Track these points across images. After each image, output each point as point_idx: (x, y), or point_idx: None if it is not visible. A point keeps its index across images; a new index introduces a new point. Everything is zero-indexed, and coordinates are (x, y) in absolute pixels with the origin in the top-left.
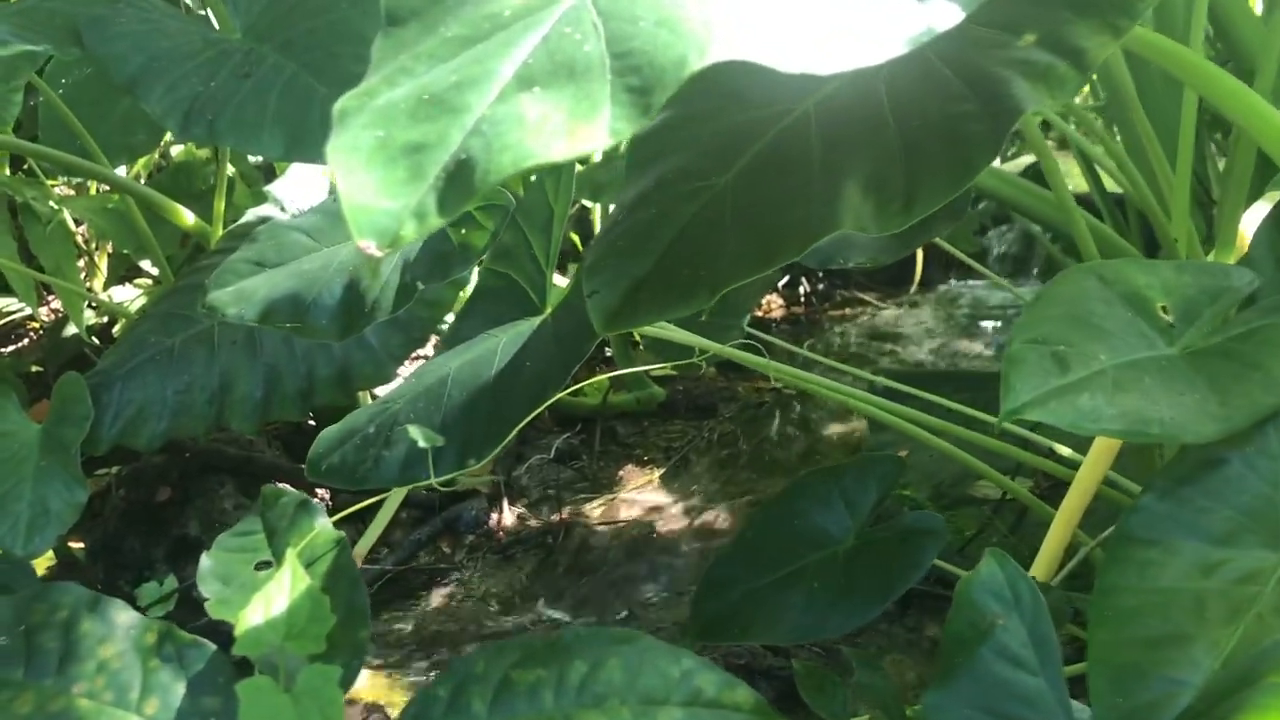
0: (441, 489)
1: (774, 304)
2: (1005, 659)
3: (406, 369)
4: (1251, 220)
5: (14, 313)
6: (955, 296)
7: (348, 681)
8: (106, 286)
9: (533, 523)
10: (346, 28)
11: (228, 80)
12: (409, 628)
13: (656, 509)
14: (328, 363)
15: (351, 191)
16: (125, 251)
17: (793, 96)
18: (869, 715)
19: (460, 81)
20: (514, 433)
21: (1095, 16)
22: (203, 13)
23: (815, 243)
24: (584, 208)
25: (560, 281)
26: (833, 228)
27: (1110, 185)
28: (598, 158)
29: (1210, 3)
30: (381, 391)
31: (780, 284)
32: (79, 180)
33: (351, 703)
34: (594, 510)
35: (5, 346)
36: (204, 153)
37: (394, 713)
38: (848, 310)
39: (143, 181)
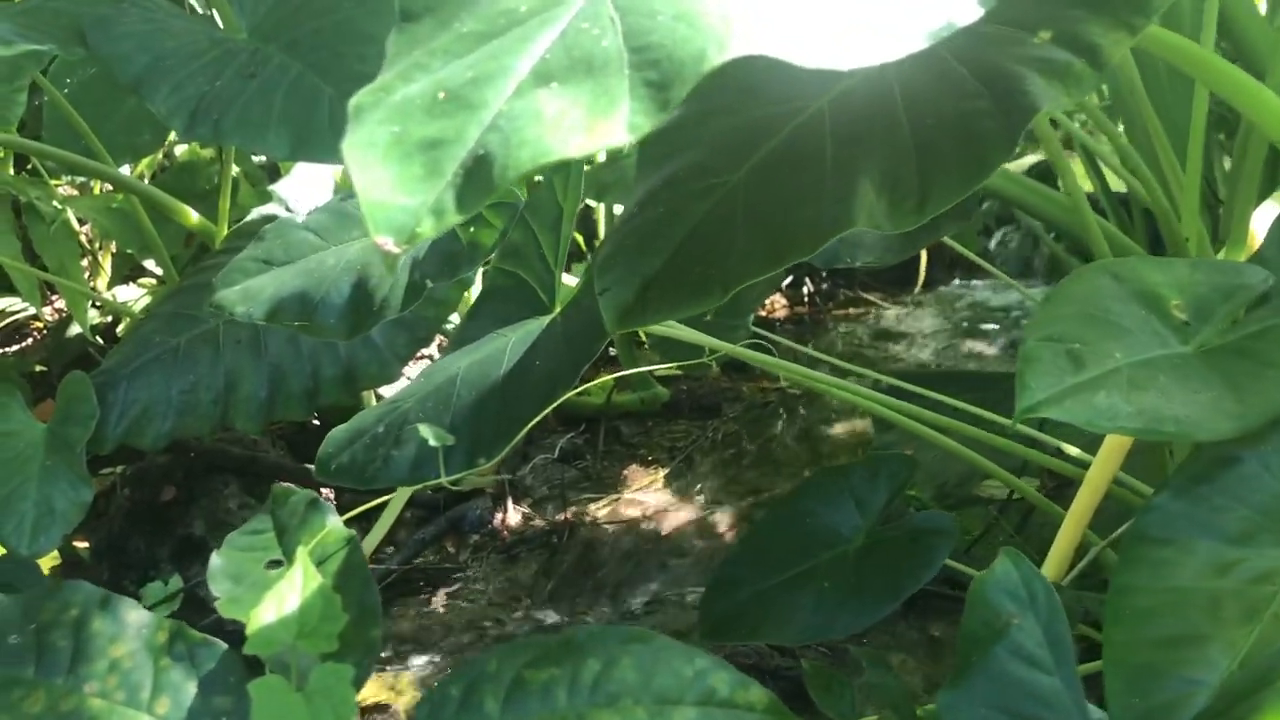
0: (453, 488)
1: (778, 304)
2: (1020, 658)
3: (411, 369)
4: (1262, 218)
5: (18, 312)
6: (959, 297)
7: (360, 680)
8: (110, 286)
9: (537, 522)
10: (352, 27)
11: (233, 80)
12: (413, 627)
13: (661, 509)
14: (333, 362)
15: (368, 188)
16: (129, 251)
17: (806, 94)
18: (879, 715)
19: (477, 77)
20: (523, 432)
21: (1110, 14)
22: (207, 13)
23: (828, 241)
24: (588, 207)
25: (569, 280)
26: (846, 225)
27: (1114, 184)
28: (602, 157)
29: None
30: (386, 391)
31: (784, 284)
32: (83, 180)
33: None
34: (598, 510)
35: (9, 346)
36: (208, 152)
37: (399, 711)
38: (851, 310)
39: (147, 181)
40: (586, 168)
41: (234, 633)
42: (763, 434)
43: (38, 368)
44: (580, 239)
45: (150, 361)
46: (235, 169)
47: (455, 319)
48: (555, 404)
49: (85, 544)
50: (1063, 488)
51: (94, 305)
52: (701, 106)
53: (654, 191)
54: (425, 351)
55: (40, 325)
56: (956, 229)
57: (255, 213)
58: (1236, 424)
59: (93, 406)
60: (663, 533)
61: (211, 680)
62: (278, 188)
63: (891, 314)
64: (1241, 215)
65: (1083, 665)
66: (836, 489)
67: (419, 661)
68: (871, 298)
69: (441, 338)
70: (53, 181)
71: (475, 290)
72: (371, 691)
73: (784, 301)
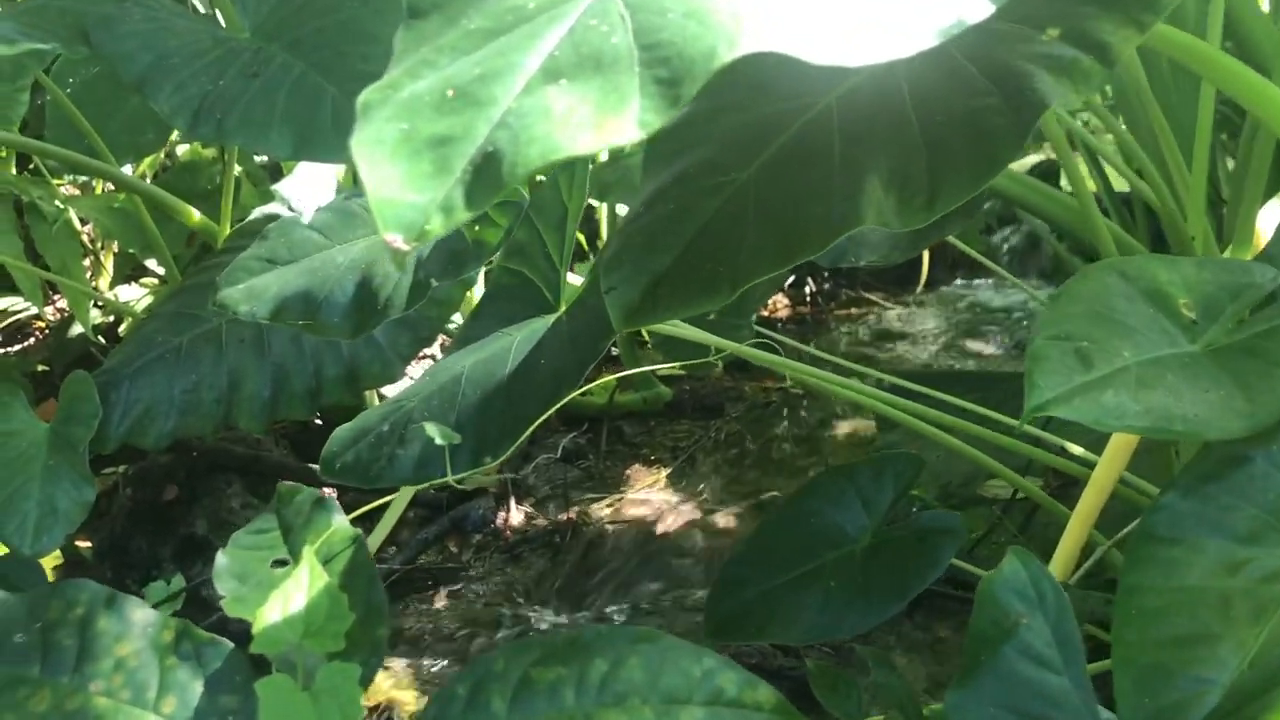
0: (455, 487)
1: (780, 304)
2: (1029, 658)
3: (413, 369)
4: (1268, 217)
5: (20, 312)
6: (961, 297)
7: (367, 680)
8: (112, 286)
9: (540, 522)
10: (355, 27)
11: (236, 79)
12: (417, 627)
13: (664, 509)
14: (336, 362)
15: (376, 185)
16: (131, 251)
17: (814, 91)
18: (885, 715)
19: (485, 74)
20: (529, 431)
21: (1119, 11)
22: (210, 12)
23: (838, 238)
24: (590, 207)
25: (574, 280)
26: (855, 223)
27: (1116, 184)
28: (604, 156)
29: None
30: (389, 391)
31: (786, 284)
32: (85, 180)
33: None
34: (601, 510)
35: (11, 346)
36: (210, 152)
37: (402, 712)
38: (853, 310)
39: (148, 181)
40: (590, 166)
41: (238, 633)
42: (765, 434)
43: (40, 367)
44: (582, 239)
45: (153, 361)
46: (237, 169)
47: (457, 319)
48: (561, 403)
49: (87, 543)
50: (1066, 487)
51: (96, 305)
52: (710, 104)
53: (662, 189)
54: (427, 351)
55: (42, 325)
56: (961, 227)
57: (257, 212)
58: (1245, 423)
59: (95, 406)
60: (665, 532)
61: (218, 679)
62: (280, 187)
63: (893, 314)
64: (1247, 214)
65: (1089, 665)
66: (842, 488)
67: (421, 661)
68: (873, 298)
69: (444, 337)
70: (55, 181)
71: (478, 291)
72: (373, 691)
73: (786, 301)
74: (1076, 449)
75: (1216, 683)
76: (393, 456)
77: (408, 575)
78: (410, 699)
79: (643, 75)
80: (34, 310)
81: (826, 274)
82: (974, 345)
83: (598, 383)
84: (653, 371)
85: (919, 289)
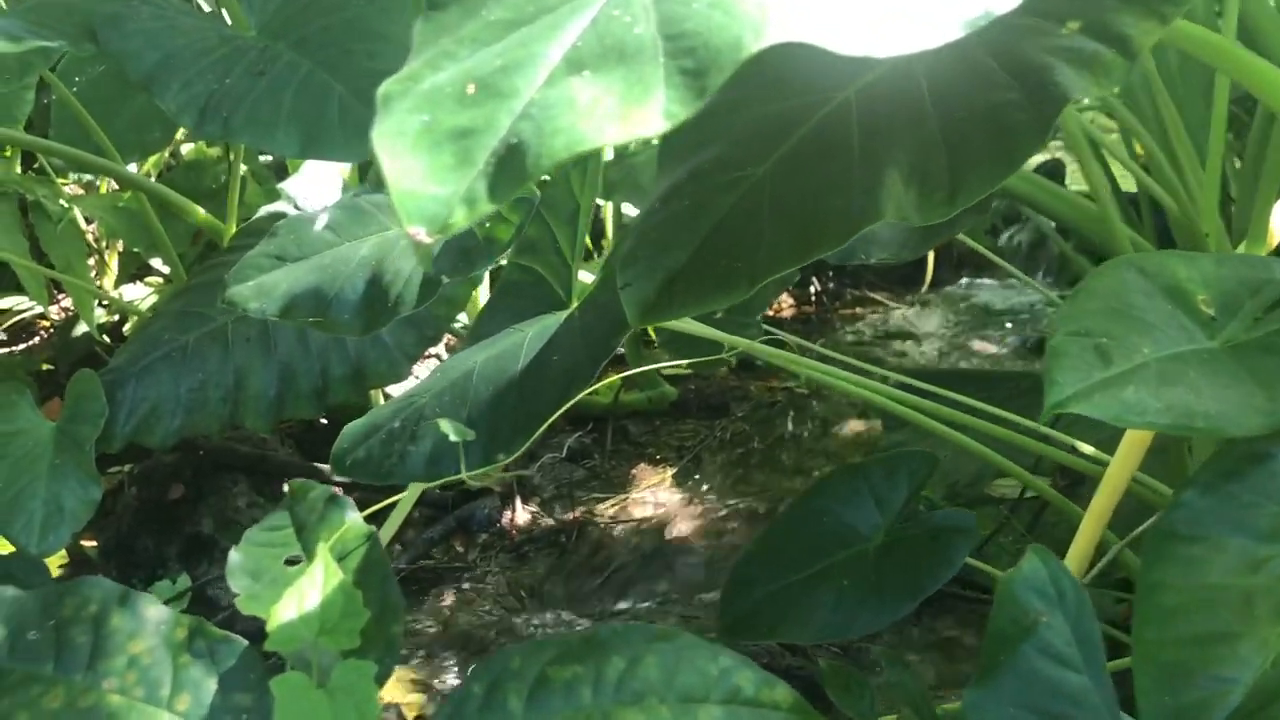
0: (469, 485)
1: (785, 303)
2: (1049, 657)
3: (419, 368)
4: None
5: (24, 311)
6: (966, 296)
7: (383, 677)
8: (117, 285)
9: (546, 521)
10: (361, 25)
11: (242, 77)
12: (422, 627)
13: (670, 508)
14: (342, 361)
15: (398, 177)
16: (136, 250)
17: (831, 85)
18: (898, 714)
19: (507, 65)
20: (543, 428)
21: (1140, 3)
22: (216, 11)
23: (857, 232)
24: (595, 205)
25: (585, 277)
26: (875, 217)
27: (1122, 182)
28: (608, 155)
29: None
30: (394, 390)
31: (791, 283)
32: (89, 179)
33: None
34: (607, 509)
35: (16, 345)
36: (214, 151)
37: (407, 712)
38: (858, 310)
39: (153, 180)
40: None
41: (245, 632)
42: (771, 433)
43: (44, 366)
44: (587, 238)
45: (159, 360)
46: (242, 168)
47: (462, 318)
48: (573, 400)
49: (93, 543)
50: (1074, 486)
51: (100, 304)
52: (725, 99)
53: (677, 185)
54: (432, 351)
55: (47, 324)
56: (973, 224)
57: (263, 210)
58: (1266, 420)
59: (101, 405)
60: (671, 532)
61: (231, 677)
62: (286, 185)
63: (899, 313)
64: (1262, 210)
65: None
66: (855, 487)
67: (426, 661)
68: (878, 297)
69: (450, 336)
70: (59, 180)
71: (482, 291)
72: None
73: (791, 301)
74: (1087, 448)
75: (1239, 681)
76: (404, 453)
77: (413, 574)
78: (415, 699)
79: (667, 66)
80: (39, 309)
81: (831, 273)
82: (979, 344)
83: (603, 382)
84: (658, 370)
85: (924, 288)
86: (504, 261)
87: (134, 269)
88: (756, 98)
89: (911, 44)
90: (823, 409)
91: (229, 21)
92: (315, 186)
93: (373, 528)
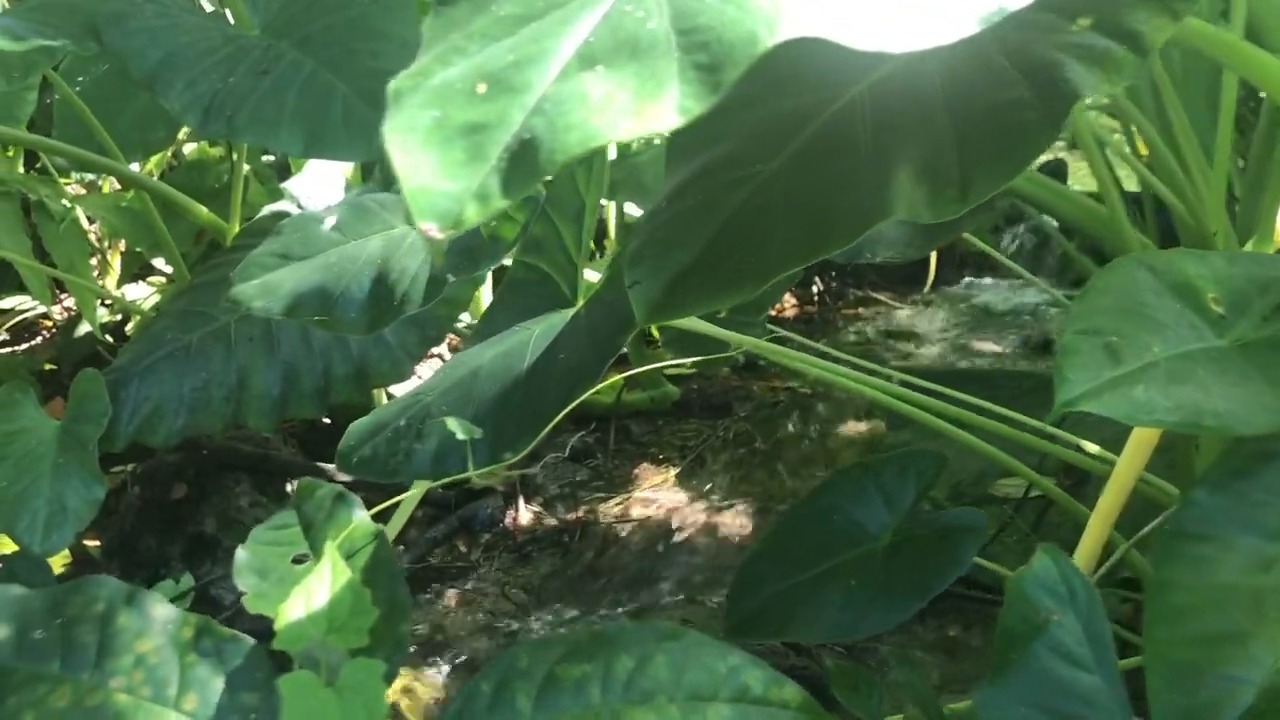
0: (472, 484)
1: (787, 303)
2: (1060, 655)
3: (421, 368)
4: None
5: (27, 311)
6: (968, 296)
7: (391, 676)
8: (120, 284)
9: (549, 521)
10: (365, 24)
11: (246, 76)
12: (425, 627)
13: (673, 508)
14: (345, 360)
15: (409, 173)
16: (138, 249)
17: (841, 82)
18: (905, 714)
19: (518, 60)
20: (549, 426)
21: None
22: (219, 10)
23: (868, 229)
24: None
25: (590, 276)
26: (885, 214)
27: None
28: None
29: None
30: (397, 390)
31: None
32: (91, 178)
33: None
34: (610, 509)
35: (19, 344)
36: (217, 151)
37: (410, 711)
38: (861, 310)
39: (156, 180)
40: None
41: (248, 633)
42: (774, 433)
43: (47, 366)
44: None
45: (162, 359)
46: (245, 167)
47: (465, 318)
48: (580, 399)
49: (96, 542)
50: (1079, 486)
51: (103, 303)
52: (734, 96)
53: (686, 183)
54: (434, 351)
55: (50, 324)
56: (979, 223)
57: (266, 210)
58: (1275, 418)
59: (105, 404)
60: (675, 532)
61: (239, 676)
62: (289, 185)
63: (901, 313)
64: (1270, 208)
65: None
66: (863, 485)
67: (431, 661)
68: (881, 297)
69: (452, 336)
70: (62, 180)
71: (485, 291)
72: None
73: (793, 301)
74: (1092, 447)
75: (1250, 681)
76: (410, 451)
77: (416, 574)
78: (419, 698)
79: (682, 61)
80: (41, 309)
81: (834, 273)
82: (982, 344)
83: (606, 382)
84: (661, 370)
85: (926, 288)
86: (507, 262)
87: (136, 268)
88: (766, 95)
89: (926, 39)
90: (826, 409)
91: (232, 20)
92: (318, 186)
93: (380, 526)
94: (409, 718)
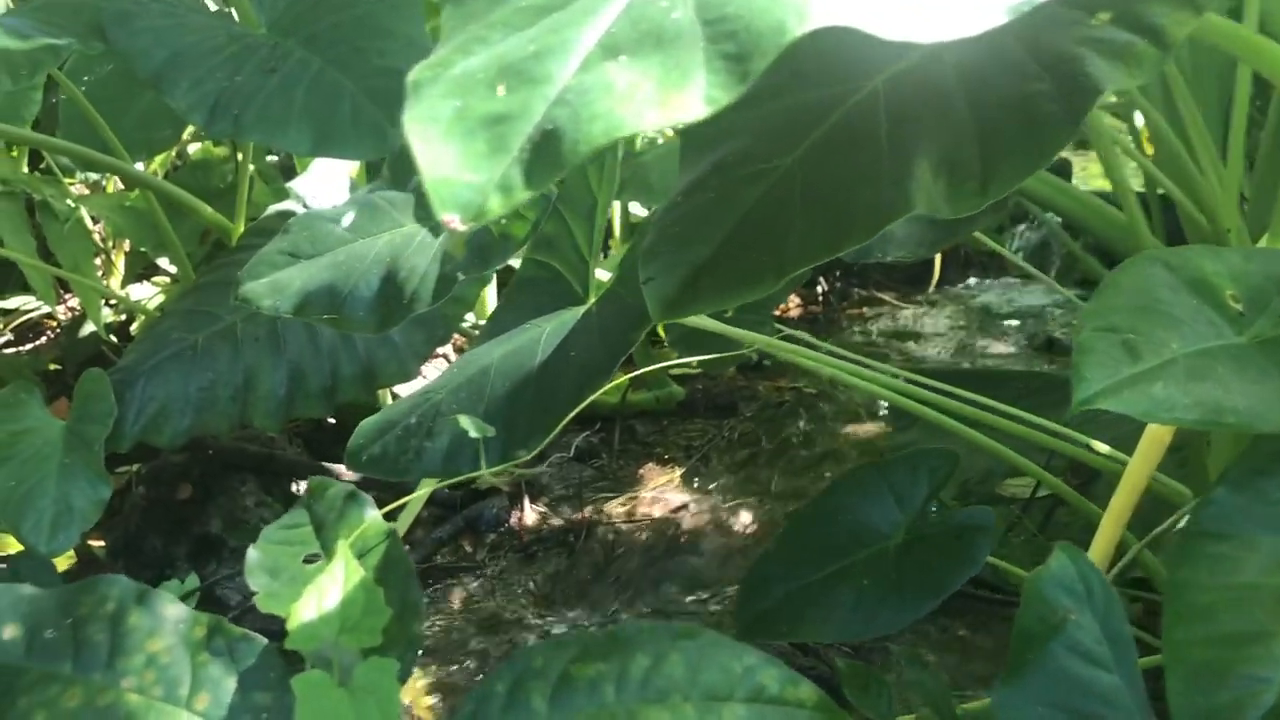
0: (477, 484)
1: (792, 303)
2: (1078, 655)
3: (426, 369)
4: None
5: (31, 311)
6: (973, 296)
7: (404, 676)
8: (124, 284)
9: (554, 521)
10: (372, 22)
11: (253, 75)
12: (430, 627)
13: (678, 508)
14: (351, 360)
15: (430, 164)
16: (143, 249)
17: (859, 75)
18: (918, 714)
19: (540, 51)
20: (562, 424)
21: None
22: (224, 9)
23: (888, 224)
24: None
25: (602, 274)
26: (905, 209)
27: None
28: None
29: None
30: (402, 390)
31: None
32: (95, 178)
33: None
34: (615, 509)
35: (23, 345)
36: (221, 150)
37: (419, 711)
38: (865, 310)
39: (160, 179)
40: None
41: (256, 632)
42: (779, 433)
43: (51, 366)
44: None
45: (168, 359)
46: (249, 166)
47: (469, 318)
48: (592, 396)
49: (101, 542)
50: (1086, 485)
51: (108, 303)
52: (748, 90)
53: (700, 179)
54: (440, 351)
55: (54, 324)
56: (990, 222)
57: (272, 209)
58: None
59: (110, 404)
60: (680, 531)
61: (251, 676)
62: (295, 184)
63: (906, 313)
64: None
65: None
66: (875, 485)
67: (436, 661)
68: (886, 297)
69: (458, 336)
70: (66, 180)
71: (491, 292)
72: None
73: (798, 300)
74: (1102, 446)
75: (1272, 681)
76: (420, 449)
77: (422, 574)
78: (425, 699)
79: (708, 51)
80: (46, 309)
81: (838, 273)
82: (987, 344)
83: (612, 382)
84: (666, 370)
85: (931, 288)
86: (513, 262)
87: (141, 268)
88: (780, 90)
89: (955, 29)
90: (831, 409)
91: (237, 19)
92: (323, 185)
93: (392, 525)
94: (417, 717)
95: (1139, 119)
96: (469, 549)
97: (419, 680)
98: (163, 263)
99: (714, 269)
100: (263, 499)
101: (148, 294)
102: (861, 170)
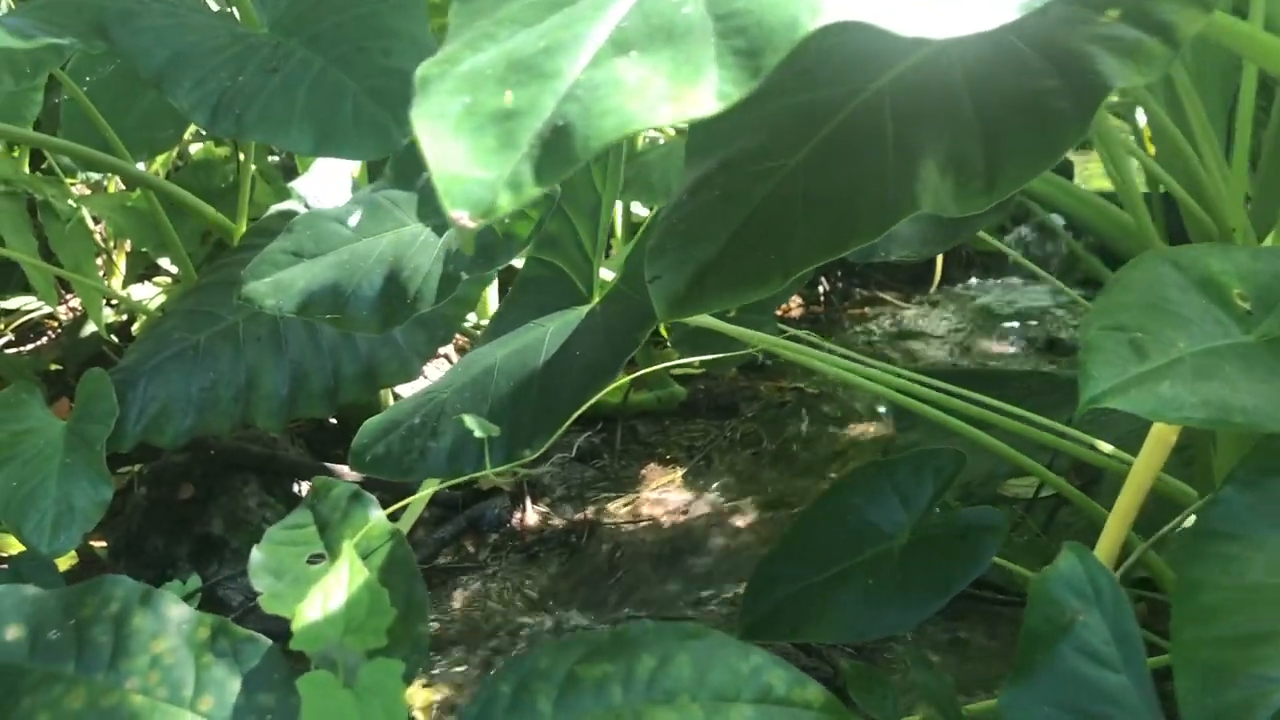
0: (479, 485)
1: (793, 303)
2: (1086, 655)
3: (428, 369)
4: None
5: (32, 311)
6: (975, 296)
7: (410, 677)
8: (125, 284)
9: (556, 522)
10: (375, 22)
11: (255, 75)
12: (433, 627)
13: (680, 508)
14: (354, 360)
15: (439, 160)
16: (144, 250)
17: (865, 74)
18: (923, 715)
19: (550, 46)
20: (566, 424)
21: None
22: (225, 8)
23: (893, 223)
24: None
25: (606, 273)
26: (911, 208)
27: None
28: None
29: None
30: (404, 390)
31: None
32: (97, 178)
33: None
34: (617, 509)
35: (24, 345)
36: (223, 150)
37: (420, 713)
38: (867, 310)
39: (162, 179)
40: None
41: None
42: (781, 434)
43: (52, 366)
44: None
45: (170, 359)
46: (251, 166)
47: (471, 318)
48: (597, 396)
49: (102, 543)
50: (1089, 485)
51: (109, 304)
52: (754, 90)
53: (707, 177)
54: (441, 351)
55: (55, 324)
56: (993, 222)
57: (274, 209)
58: None
59: (112, 404)
60: (682, 532)
61: (255, 677)
62: (297, 184)
63: (908, 313)
64: None
65: None
66: (880, 484)
67: (440, 661)
68: (888, 297)
69: (459, 336)
70: (68, 180)
71: (492, 292)
72: None
73: (799, 300)
74: (1106, 446)
75: None
76: (425, 449)
77: (424, 574)
78: (427, 699)
79: (719, 46)
80: (47, 309)
81: (840, 273)
82: (989, 344)
83: (619, 384)
84: (668, 370)
85: (933, 288)
86: (515, 263)
87: (142, 268)
88: (786, 88)
89: (968, 25)
90: (833, 409)
91: (239, 19)
92: (325, 185)
93: (397, 526)
94: (419, 718)
95: (1141, 117)
96: (471, 549)
97: (421, 681)
98: (164, 263)
99: (721, 268)
100: (265, 499)
101: (149, 294)
102: (867, 169)
